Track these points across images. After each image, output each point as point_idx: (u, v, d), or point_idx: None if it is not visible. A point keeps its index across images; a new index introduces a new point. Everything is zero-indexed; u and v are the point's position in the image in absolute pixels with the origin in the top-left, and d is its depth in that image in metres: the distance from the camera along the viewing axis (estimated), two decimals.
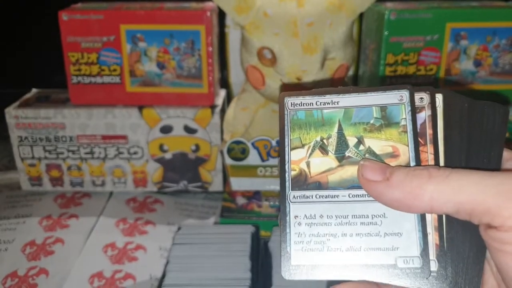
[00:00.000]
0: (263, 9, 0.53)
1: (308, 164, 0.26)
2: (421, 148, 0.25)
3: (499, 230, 0.22)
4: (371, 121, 0.26)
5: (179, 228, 0.50)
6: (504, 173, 0.22)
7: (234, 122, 0.59)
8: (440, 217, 0.25)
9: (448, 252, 0.24)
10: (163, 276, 0.45)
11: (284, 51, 0.51)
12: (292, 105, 0.27)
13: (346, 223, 0.25)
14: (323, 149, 0.26)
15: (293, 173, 0.26)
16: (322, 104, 0.27)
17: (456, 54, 0.59)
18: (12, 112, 0.61)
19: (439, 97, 0.26)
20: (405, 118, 0.26)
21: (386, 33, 0.57)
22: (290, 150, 0.27)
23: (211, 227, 0.53)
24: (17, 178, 0.66)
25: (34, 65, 0.80)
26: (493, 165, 0.25)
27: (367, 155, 0.26)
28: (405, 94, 0.26)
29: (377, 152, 0.26)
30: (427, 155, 0.25)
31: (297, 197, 0.26)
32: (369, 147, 0.26)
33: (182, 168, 0.64)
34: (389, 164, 0.25)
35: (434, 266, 0.24)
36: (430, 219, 0.25)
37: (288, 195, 0.26)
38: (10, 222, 0.59)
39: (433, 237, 0.25)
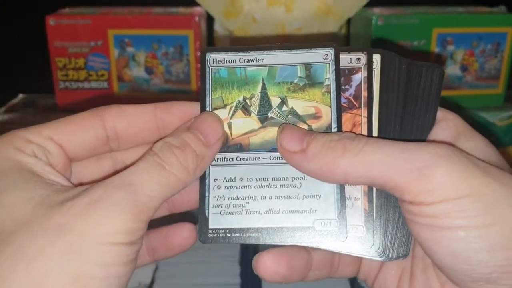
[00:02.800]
0: (252, 14, 0.53)
1: (229, 126, 0.25)
2: (355, 111, 0.25)
3: (411, 204, 0.22)
4: (295, 81, 0.25)
5: None
6: (417, 147, 0.22)
7: None
8: None
9: (376, 217, 0.24)
10: (152, 282, 0.44)
11: None
12: (214, 62, 0.26)
13: (266, 185, 0.25)
14: (246, 109, 0.26)
15: None
16: (246, 61, 0.26)
17: (442, 59, 0.60)
18: None
19: (377, 58, 0.25)
20: (329, 78, 0.25)
21: (373, 38, 0.58)
22: (212, 111, 0.26)
23: None
24: None
25: (21, 70, 0.79)
26: (428, 126, 0.25)
27: (289, 116, 0.25)
28: (330, 52, 0.25)
29: (300, 113, 0.25)
30: (361, 118, 0.25)
31: (217, 159, 0.25)
32: (292, 107, 0.25)
33: None
34: (310, 128, 0.25)
35: (362, 231, 0.24)
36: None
37: None
38: None
39: (362, 202, 0.25)
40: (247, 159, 0.25)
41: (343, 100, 0.25)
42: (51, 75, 0.60)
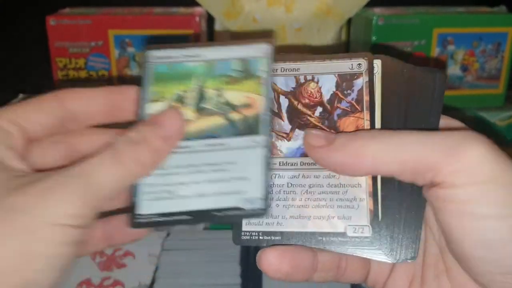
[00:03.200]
0: (252, 14, 0.53)
1: None
2: (357, 115, 0.25)
3: (442, 187, 0.22)
4: (232, 74, 0.27)
5: (168, 234, 0.49)
6: (444, 132, 0.23)
7: None
8: (374, 183, 0.25)
9: (382, 218, 0.24)
10: (153, 282, 0.45)
11: None
12: (154, 58, 0.27)
13: (198, 171, 0.25)
14: (182, 102, 0.26)
15: None
16: (184, 56, 0.27)
17: (443, 59, 0.60)
18: None
19: (377, 63, 0.26)
20: (263, 70, 0.26)
21: (373, 38, 0.58)
22: (149, 104, 0.26)
23: (201, 233, 0.53)
24: None
25: (21, 70, 0.79)
26: (431, 130, 0.25)
27: (224, 106, 0.26)
28: (266, 47, 0.27)
29: (235, 103, 0.26)
30: (363, 121, 0.25)
31: None
32: (227, 99, 0.26)
33: None
34: (244, 116, 0.26)
35: (368, 232, 0.24)
36: (365, 185, 0.25)
37: None
38: None
39: (367, 203, 0.25)
40: (182, 147, 0.26)
41: (345, 104, 0.26)
42: (51, 75, 0.60)
